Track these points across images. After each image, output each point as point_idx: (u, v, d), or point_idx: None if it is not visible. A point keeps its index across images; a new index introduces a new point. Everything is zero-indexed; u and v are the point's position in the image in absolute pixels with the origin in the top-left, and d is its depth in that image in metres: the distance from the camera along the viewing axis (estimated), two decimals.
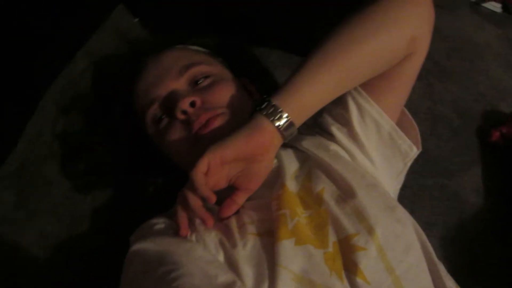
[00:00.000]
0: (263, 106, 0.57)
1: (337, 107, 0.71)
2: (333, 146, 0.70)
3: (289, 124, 0.57)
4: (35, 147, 0.87)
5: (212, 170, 0.56)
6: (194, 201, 0.58)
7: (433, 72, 1.04)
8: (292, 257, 0.57)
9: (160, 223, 0.67)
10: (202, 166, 0.55)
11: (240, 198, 0.62)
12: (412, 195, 0.92)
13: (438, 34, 1.08)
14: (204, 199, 0.59)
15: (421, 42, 0.63)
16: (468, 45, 1.09)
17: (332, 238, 0.60)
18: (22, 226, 0.84)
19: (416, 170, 0.93)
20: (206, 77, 0.72)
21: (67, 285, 0.83)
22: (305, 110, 0.59)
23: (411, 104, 0.99)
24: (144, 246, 0.62)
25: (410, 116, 0.73)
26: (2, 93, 0.81)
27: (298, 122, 0.59)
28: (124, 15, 0.96)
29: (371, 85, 0.66)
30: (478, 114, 1.00)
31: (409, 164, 0.72)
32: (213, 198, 0.57)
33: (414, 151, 0.71)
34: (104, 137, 0.86)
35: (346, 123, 0.70)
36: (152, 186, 0.90)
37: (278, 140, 0.59)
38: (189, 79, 0.72)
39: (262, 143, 0.57)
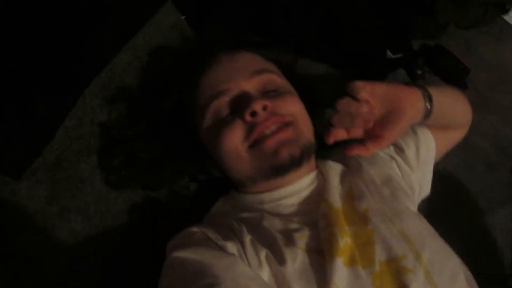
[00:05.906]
0: (421, 85, 0.65)
1: None
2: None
3: (430, 110, 0.65)
4: (72, 141, 0.84)
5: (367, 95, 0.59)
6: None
7: (474, 102, 1.02)
8: (342, 277, 0.58)
9: (200, 232, 0.67)
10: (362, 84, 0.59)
11: (371, 146, 0.61)
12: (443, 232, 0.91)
13: (483, 64, 1.07)
14: None
15: (467, 126, 0.86)
16: None
17: (379, 256, 0.61)
18: (52, 222, 0.82)
19: (447, 204, 0.93)
20: (275, 87, 0.73)
21: (95, 285, 0.82)
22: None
23: None
24: (184, 254, 0.61)
25: None
26: (44, 87, 0.78)
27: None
28: (171, 12, 0.93)
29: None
30: None
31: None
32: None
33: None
34: (144, 133, 0.82)
35: None
36: (187, 190, 0.88)
37: (421, 108, 0.64)
38: (259, 84, 0.72)
39: (408, 96, 0.62)
